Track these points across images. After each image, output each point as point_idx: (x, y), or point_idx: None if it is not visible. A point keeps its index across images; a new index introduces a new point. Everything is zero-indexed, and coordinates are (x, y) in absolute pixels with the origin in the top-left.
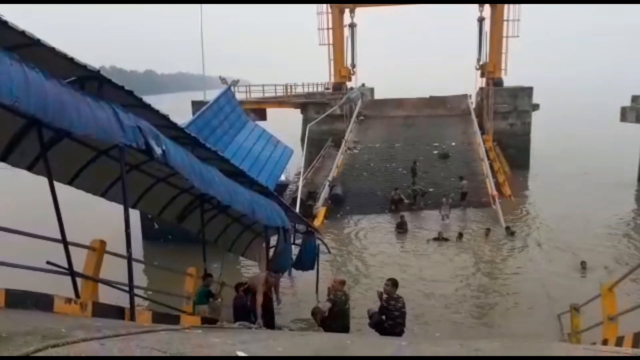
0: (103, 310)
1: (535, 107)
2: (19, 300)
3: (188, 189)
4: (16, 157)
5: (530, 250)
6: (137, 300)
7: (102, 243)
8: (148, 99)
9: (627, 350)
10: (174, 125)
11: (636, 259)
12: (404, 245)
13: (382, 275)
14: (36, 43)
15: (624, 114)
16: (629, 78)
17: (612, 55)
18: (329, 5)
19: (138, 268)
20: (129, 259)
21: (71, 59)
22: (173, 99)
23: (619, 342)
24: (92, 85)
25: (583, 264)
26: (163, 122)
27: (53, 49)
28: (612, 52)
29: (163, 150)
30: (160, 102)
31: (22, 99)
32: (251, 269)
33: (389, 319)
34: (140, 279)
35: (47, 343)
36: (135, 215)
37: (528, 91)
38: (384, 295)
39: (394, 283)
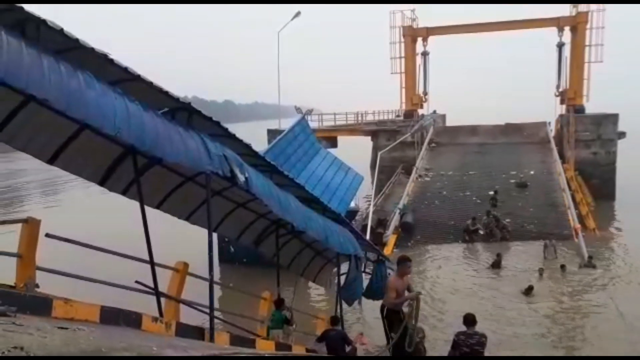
0: (185, 330)
1: (622, 135)
2: (111, 317)
3: (265, 214)
4: (113, 182)
5: (614, 289)
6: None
7: (186, 265)
8: (229, 127)
9: None
10: (255, 154)
11: None
12: (479, 279)
13: (455, 309)
14: (136, 78)
15: None
16: None
17: None
18: (402, 34)
19: (215, 290)
20: (211, 281)
21: (166, 92)
22: (249, 127)
23: None
24: (182, 115)
25: None
26: (245, 151)
27: (151, 83)
28: None
29: (246, 178)
30: (237, 131)
31: (124, 130)
32: (321, 295)
33: (460, 354)
34: (216, 300)
35: None
36: (213, 238)
37: (613, 118)
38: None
39: (466, 319)
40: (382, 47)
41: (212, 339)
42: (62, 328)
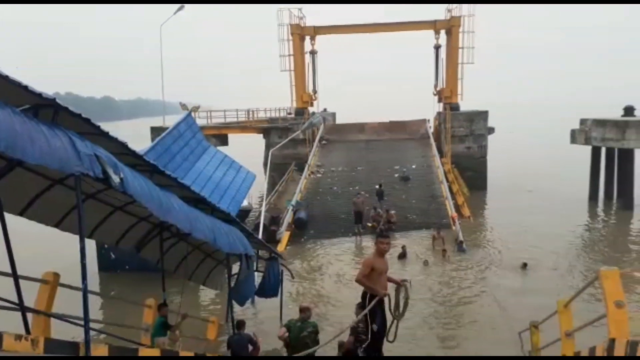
0: (55, 346)
1: (491, 130)
2: None
3: (146, 217)
4: None
5: (489, 272)
6: (93, 334)
7: (56, 276)
8: (106, 125)
9: None
10: (132, 153)
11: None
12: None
13: (348, 300)
14: None
15: (574, 137)
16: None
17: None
18: (290, 32)
19: (94, 300)
20: (85, 291)
21: (25, 87)
22: (132, 125)
23: (577, 357)
24: (47, 113)
25: (525, 266)
26: (121, 150)
27: (6, 77)
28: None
29: (121, 179)
30: (118, 129)
31: None
32: (212, 298)
33: (357, 341)
34: (97, 312)
35: None
36: (90, 245)
37: (483, 115)
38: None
39: (360, 306)
40: (273, 45)
41: (88, 353)
42: None
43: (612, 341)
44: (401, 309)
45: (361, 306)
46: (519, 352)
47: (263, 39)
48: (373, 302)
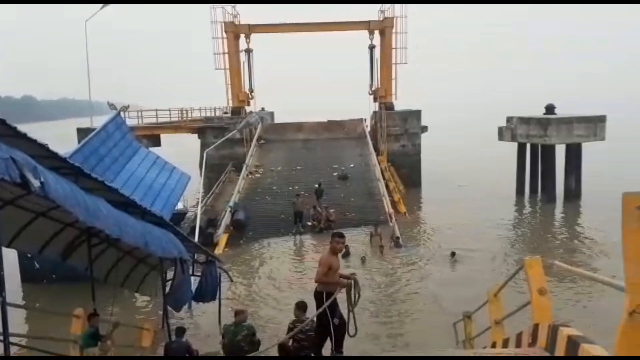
0: None
1: (424, 129)
2: None
3: (72, 223)
4: None
5: (422, 263)
6: (16, 349)
7: None
8: (28, 127)
9: (510, 350)
10: (54, 155)
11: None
12: (308, 269)
13: (288, 301)
14: None
15: (501, 134)
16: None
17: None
18: (223, 30)
19: (18, 314)
20: (3, 303)
21: None
22: (57, 126)
23: (505, 343)
24: None
25: (453, 255)
26: (42, 152)
27: None
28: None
29: (41, 183)
30: (42, 130)
31: None
32: (146, 304)
33: (294, 341)
34: (21, 326)
35: None
36: (12, 255)
37: (417, 114)
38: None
39: (298, 306)
40: (207, 43)
41: None
42: None
43: (536, 326)
44: (353, 299)
45: (300, 307)
46: (454, 342)
47: (199, 35)
48: (332, 297)
